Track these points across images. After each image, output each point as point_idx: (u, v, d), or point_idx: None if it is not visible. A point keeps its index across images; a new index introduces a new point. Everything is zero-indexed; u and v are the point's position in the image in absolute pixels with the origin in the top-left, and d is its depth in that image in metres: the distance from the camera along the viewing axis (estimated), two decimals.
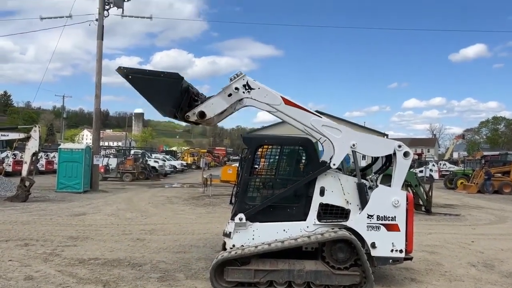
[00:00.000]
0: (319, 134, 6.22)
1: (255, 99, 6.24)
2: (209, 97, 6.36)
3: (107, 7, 22.23)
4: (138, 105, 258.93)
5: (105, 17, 22.23)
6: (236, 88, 6.15)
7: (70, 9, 52.58)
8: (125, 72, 6.09)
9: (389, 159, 6.48)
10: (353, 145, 6.15)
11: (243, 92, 6.19)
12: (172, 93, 6.01)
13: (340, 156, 6.15)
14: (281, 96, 6.24)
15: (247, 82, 6.19)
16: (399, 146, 6.15)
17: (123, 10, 23.07)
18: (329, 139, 6.17)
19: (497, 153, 38.84)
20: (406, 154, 6.14)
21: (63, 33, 33.12)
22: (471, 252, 9.12)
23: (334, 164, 6.09)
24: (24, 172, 16.08)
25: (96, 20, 22.05)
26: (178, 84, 6.01)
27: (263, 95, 6.23)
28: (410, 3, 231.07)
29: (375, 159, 6.97)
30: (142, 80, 6.10)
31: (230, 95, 6.19)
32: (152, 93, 6.09)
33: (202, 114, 6.17)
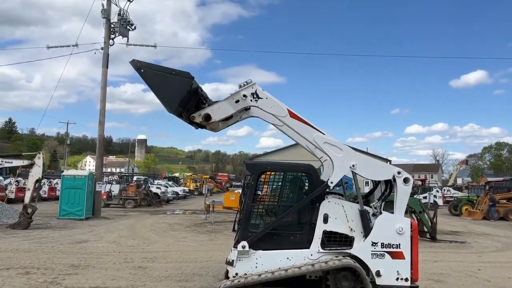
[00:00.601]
0: (320, 152, 6.22)
1: (261, 109, 6.27)
2: (217, 101, 6.41)
3: (112, 36, 22.72)
4: (141, 131, 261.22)
5: (111, 45, 22.69)
6: (244, 96, 6.20)
7: (76, 38, 53.60)
8: (138, 66, 6.18)
9: (390, 185, 6.44)
10: (353, 165, 6.12)
11: (251, 100, 6.23)
12: (181, 91, 6.06)
13: (338, 175, 6.11)
14: (287, 109, 6.28)
15: (255, 91, 6.24)
16: (399, 173, 6.12)
17: (128, 38, 23.59)
18: (329, 157, 6.16)
19: (501, 179, 38.58)
20: (406, 180, 6.11)
21: (69, 61, 33.60)
22: (478, 280, 8.97)
23: (331, 183, 6.05)
24: (27, 199, 16.07)
25: (102, 48, 22.50)
26: (188, 83, 6.08)
27: (270, 106, 6.27)
28: (411, 30, 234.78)
29: (376, 185, 6.93)
30: (153, 75, 6.19)
31: (237, 101, 6.23)
32: (161, 88, 6.15)
33: (207, 117, 6.21)
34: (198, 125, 6.46)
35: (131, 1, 23.22)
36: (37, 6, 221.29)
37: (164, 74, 6.16)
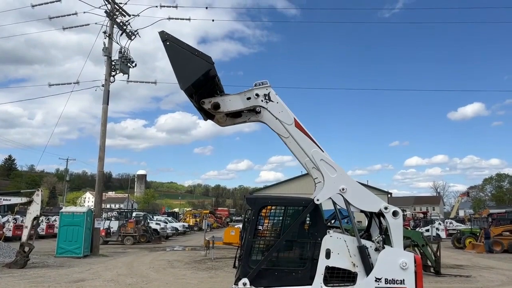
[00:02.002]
0: (317, 172, 6.18)
1: (270, 112, 6.25)
2: (229, 94, 6.41)
3: (113, 73, 23.11)
4: (141, 166, 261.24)
5: (111, 82, 23.04)
6: (257, 95, 6.22)
7: (78, 76, 54.49)
8: (165, 37, 6.16)
9: (380, 219, 6.33)
10: (343, 189, 6.06)
11: (262, 101, 6.24)
12: (197, 73, 6.03)
13: (326, 194, 6.05)
14: (294, 118, 6.28)
15: (269, 93, 6.26)
16: (386, 208, 6.02)
17: (128, 75, 23.99)
18: (322, 176, 6.12)
19: (503, 210, 38.25)
20: (395, 214, 6.02)
21: (70, 98, 34.11)
22: None
23: (317, 200, 5.99)
24: (24, 237, 15.86)
25: (103, 85, 22.83)
26: (207, 66, 6.06)
27: (279, 111, 6.27)
28: (407, 63, 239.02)
29: (370, 217, 6.80)
30: (176, 50, 6.14)
31: (249, 98, 6.24)
32: (180, 64, 6.11)
33: (216, 106, 6.21)
34: (206, 114, 6.45)
35: (132, 40, 23.83)
36: (41, 45, 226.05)
37: (187, 52, 6.14)
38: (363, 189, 6.43)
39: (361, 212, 6.50)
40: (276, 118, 6.30)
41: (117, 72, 23.15)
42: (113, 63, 23.04)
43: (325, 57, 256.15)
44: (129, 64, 23.68)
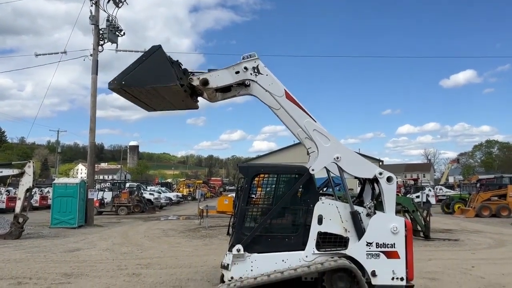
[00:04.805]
0: (309, 141, 6.21)
1: (260, 85, 6.23)
2: (217, 69, 6.37)
3: (101, 42, 22.62)
4: (134, 137, 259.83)
5: (100, 52, 22.58)
6: (245, 68, 6.18)
7: (65, 46, 53.28)
8: (117, 88, 5.95)
9: (374, 185, 6.41)
10: (337, 157, 6.12)
11: (251, 74, 6.21)
12: (163, 65, 5.92)
13: (321, 163, 6.12)
14: (285, 89, 6.27)
15: (257, 66, 6.22)
16: (380, 173, 6.09)
17: (117, 45, 23.49)
18: (316, 146, 6.16)
19: (492, 176, 38.90)
20: (389, 179, 6.09)
21: (60, 69, 33.57)
22: (472, 278, 9.01)
23: (313, 170, 6.06)
24: (18, 209, 15.87)
25: (91, 55, 22.37)
26: (160, 54, 5.96)
27: (269, 83, 6.25)
28: (401, 31, 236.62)
29: (363, 184, 6.90)
30: (135, 79, 5.92)
31: (237, 72, 6.21)
32: (150, 79, 5.92)
33: (205, 82, 6.18)
34: (194, 93, 6.38)
35: (119, 7, 23.20)
36: (28, 15, 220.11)
37: (139, 66, 5.94)
38: (357, 157, 6.48)
39: (355, 178, 6.57)
40: (266, 91, 6.25)
41: (105, 41, 22.65)
42: (100, 31, 22.51)
43: (318, 25, 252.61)
44: (117, 33, 23.14)
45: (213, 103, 6.89)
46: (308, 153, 6.39)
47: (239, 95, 6.51)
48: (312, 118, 6.27)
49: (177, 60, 6.27)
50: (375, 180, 6.23)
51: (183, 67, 6.35)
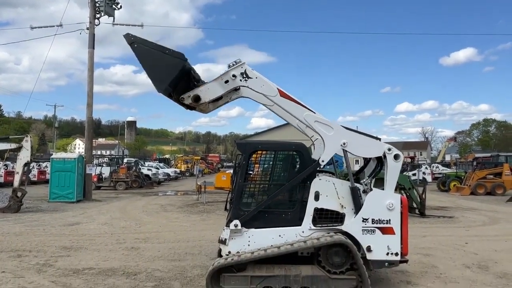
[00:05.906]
0: (311, 130, 6.22)
1: (251, 89, 6.22)
2: (206, 82, 6.33)
3: (98, 15, 22.24)
4: (132, 113, 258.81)
5: (96, 25, 22.23)
6: (234, 76, 6.14)
7: (61, 18, 52.39)
8: (132, 40, 6.03)
9: (381, 162, 6.49)
10: (344, 143, 6.15)
11: (240, 80, 6.18)
12: (172, 72, 5.94)
13: (329, 153, 6.15)
14: (277, 88, 6.25)
15: (245, 71, 6.18)
16: (389, 149, 6.16)
17: (114, 18, 23.09)
18: (320, 136, 6.18)
19: (488, 155, 39.13)
20: (396, 157, 6.16)
21: (57, 43, 33.08)
22: (466, 253, 9.17)
23: (323, 161, 6.09)
24: (16, 183, 15.95)
25: (87, 29, 22.03)
26: (180, 64, 5.97)
27: (260, 85, 6.23)
28: (402, 8, 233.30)
29: (366, 162, 6.99)
30: (145, 52, 6.02)
31: (227, 81, 6.17)
32: (152, 66, 6.01)
33: (197, 98, 6.14)
34: (188, 107, 6.37)
35: None
36: None
37: (157, 52, 5.99)
38: (363, 138, 6.55)
39: (364, 159, 6.64)
40: (259, 93, 6.22)
41: (102, 14, 22.27)
42: (97, 4, 22.10)
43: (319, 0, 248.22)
44: (114, 6, 22.75)
45: (207, 113, 6.82)
46: (312, 141, 6.41)
47: (232, 100, 6.49)
48: (311, 110, 6.28)
49: (194, 73, 6.33)
50: (381, 157, 6.26)
51: (196, 80, 6.40)
